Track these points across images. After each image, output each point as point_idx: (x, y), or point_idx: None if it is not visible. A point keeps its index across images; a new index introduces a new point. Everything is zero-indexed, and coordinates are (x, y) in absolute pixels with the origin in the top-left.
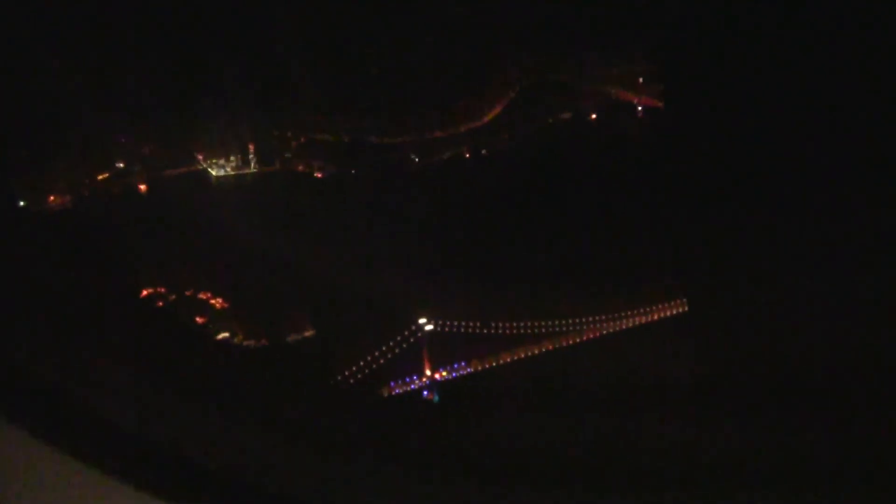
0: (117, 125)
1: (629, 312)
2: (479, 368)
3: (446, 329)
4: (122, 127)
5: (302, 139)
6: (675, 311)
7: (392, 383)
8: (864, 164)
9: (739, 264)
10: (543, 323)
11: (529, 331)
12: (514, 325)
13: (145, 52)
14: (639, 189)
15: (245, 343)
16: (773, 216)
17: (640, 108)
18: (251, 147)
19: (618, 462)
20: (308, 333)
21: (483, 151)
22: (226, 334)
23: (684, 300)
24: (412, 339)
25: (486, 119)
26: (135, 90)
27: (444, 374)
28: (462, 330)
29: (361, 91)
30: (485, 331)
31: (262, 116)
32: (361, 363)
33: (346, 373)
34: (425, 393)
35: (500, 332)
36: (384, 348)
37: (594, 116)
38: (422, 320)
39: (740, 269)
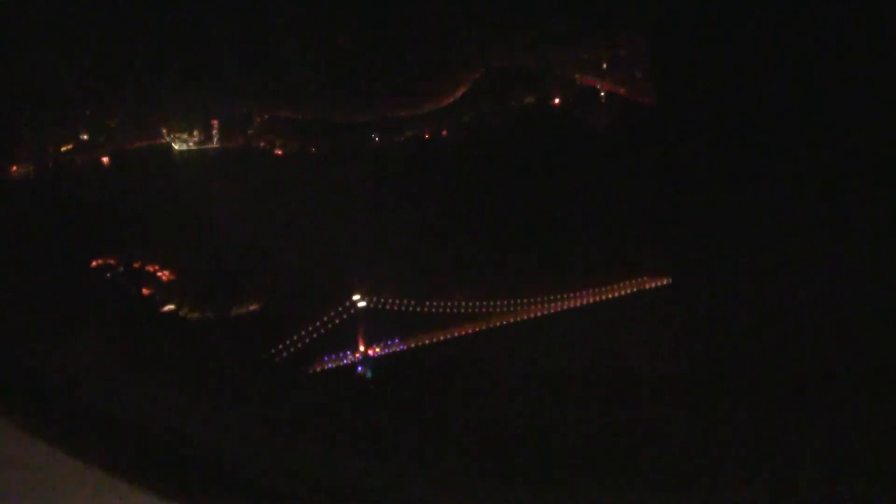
0: (83, 98)
1: (564, 296)
2: (414, 346)
3: (380, 306)
4: (88, 100)
5: (266, 116)
6: (611, 296)
7: (325, 357)
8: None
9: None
10: (479, 303)
11: (464, 310)
12: (449, 304)
13: (113, 26)
14: (593, 174)
15: (190, 315)
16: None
17: (602, 94)
18: (214, 123)
19: (547, 438)
20: (253, 307)
21: (444, 133)
22: (171, 306)
23: (622, 285)
24: (345, 316)
25: (449, 101)
26: (102, 64)
27: (378, 350)
28: (396, 308)
29: (326, 70)
30: (419, 309)
31: (226, 93)
32: (295, 337)
33: (280, 346)
34: (359, 368)
35: (435, 310)
36: (318, 323)
37: (557, 101)
38: (356, 297)
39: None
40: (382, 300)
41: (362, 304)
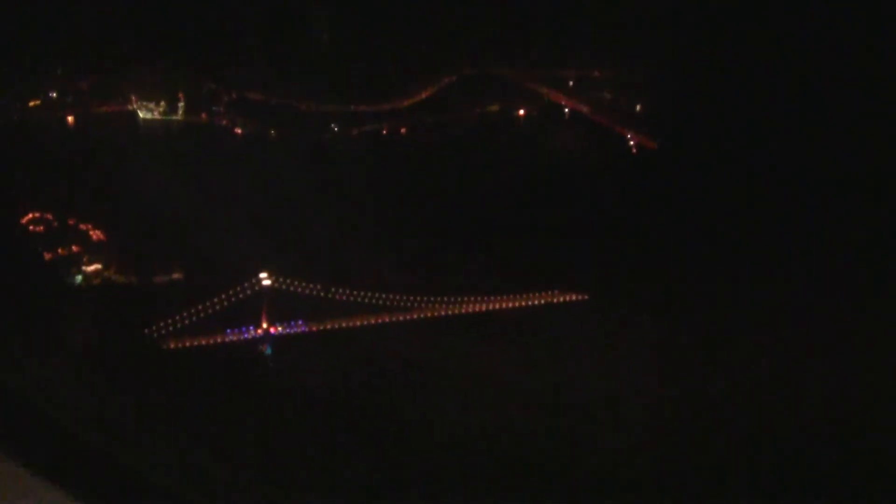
0: (57, 58)
1: (468, 299)
2: (316, 329)
3: (284, 287)
4: (61, 60)
5: (233, 95)
6: (519, 305)
7: (228, 331)
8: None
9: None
10: (384, 295)
11: (369, 301)
12: (355, 293)
13: None
14: (543, 186)
15: (114, 277)
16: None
17: (567, 110)
18: (181, 96)
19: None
20: (176, 276)
21: (402, 130)
22: (97, 265)
23: (535, 295)
24: (249, 292)
25: (413, 100)
26: (81, 27)
27: (280, 329)
28: (302, 291)
29: (299, 60)
30: (324, 294)
31: (198, 68)
32: (199, 307)
33: (184, 314)
34: (260, 345)
35: (340, 297)
36: (223, 296)
37: (522, 112)
38: (262, 275)
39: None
40: (288, 282)
41: (267, 282)
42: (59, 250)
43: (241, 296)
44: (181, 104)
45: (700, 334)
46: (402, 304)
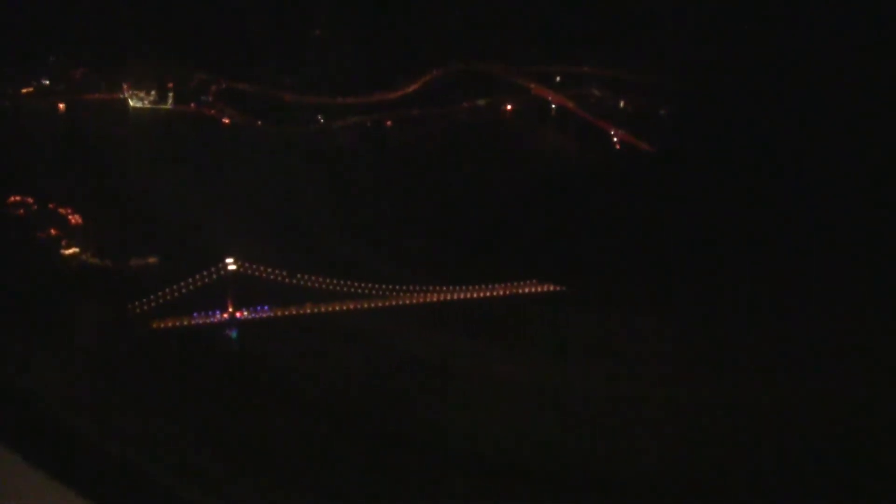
0: (51, 47)
1: (436, 289)
2: (280, 315)
3: (250, 272)
4: (55, 48)
5: (223, 85)
6: (486, 295)
7: (195, 314)
8: None
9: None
10: (351, 284)
11: (334, 288)
12: (320, 280)
13: None
14: (526, 180)
15: (91, 260)
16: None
17: (553, 106)
18: (170, 85)
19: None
20: (152, 260)
21: (387, 123)
22: (75, 249)
23: (502, 286)
24: (215, 277)
25: (399, 93)
26: (75, 19)
27: (246, 313)
28: (267, 276)
29: (287, 49)
30: (289, 280)
31: (188, 59)
32: (167, 290)
33: (152, 297)
34: (227, 328)
35: (305, 284)
36: (190, 279)
37: (509, 107)
38: (228, 260)
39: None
40: (254, 267)
41: (233, 267)
42: (39, 233)
43: (206, 280)
44: (170, 94)
45: (688, 335)
46: (370, 292)
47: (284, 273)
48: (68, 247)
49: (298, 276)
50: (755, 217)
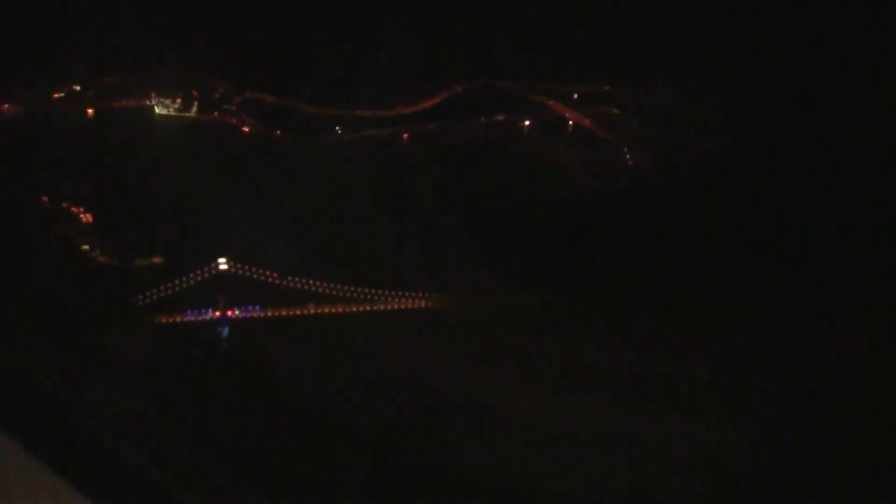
0: (82, 52)
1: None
2: (271, 315)
3: (240, 272)
4: (86, 55)
5: (247, 95)
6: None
7: (188, 312)
8: None
9: None
10: (341, 287)
11: (325, 291)
12: (311, 282)
13: None
14: (540, 198)
15: (99, 258)
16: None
17: (570, 123)
18: (195, 94)
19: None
20: (156, 260)
21: (405, 136)
22: (86, 246)
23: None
24: (206, 276)
25: (418, 108)
26: (107, 25)
27: (237, 312)
28: (257, 277)
29: (309, 63)
30: (280, 282)
31: (215, 68)
32: (162, 287)
33: (147, 294)
34: (218, 327)
35: (296, 286)
36: (184, 278)
37: (527, 123)
38: (220, 259)
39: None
40: (245, 268)
41: (224, 267)
42: (52, 232)
43: (199, 279)
44: (195, 102)
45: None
46: (358, 295)
47: (274, 274)
48: (80, 244)
49: (289, 277)
50: (782, 245)
